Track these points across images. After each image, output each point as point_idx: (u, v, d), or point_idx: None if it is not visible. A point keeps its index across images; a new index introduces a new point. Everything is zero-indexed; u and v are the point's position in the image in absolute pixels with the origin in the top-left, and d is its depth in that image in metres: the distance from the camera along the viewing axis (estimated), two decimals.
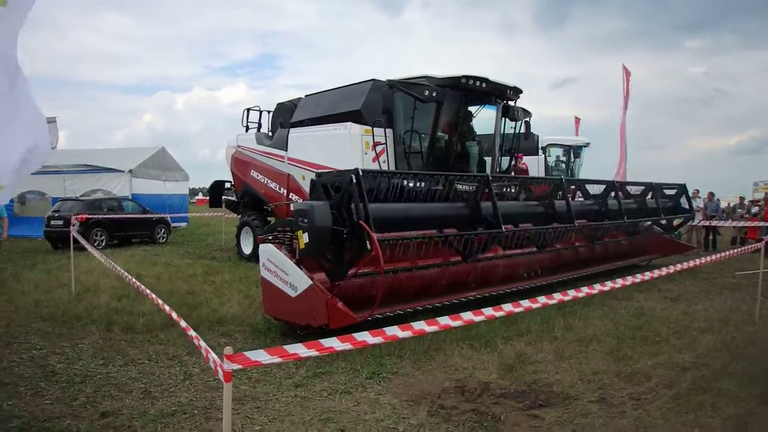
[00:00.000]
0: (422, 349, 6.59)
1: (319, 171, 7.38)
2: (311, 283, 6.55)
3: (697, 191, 19.71)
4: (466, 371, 5.95)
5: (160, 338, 7.17)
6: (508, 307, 4.67)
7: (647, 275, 6.53)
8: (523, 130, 12.70)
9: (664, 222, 13.71)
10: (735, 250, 8.99)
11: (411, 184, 8.07)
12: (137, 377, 5.80)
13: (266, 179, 14.46)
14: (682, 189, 14.20)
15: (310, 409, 4.97)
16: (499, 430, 4.54)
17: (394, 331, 3.67)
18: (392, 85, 11.33)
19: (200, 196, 60.20)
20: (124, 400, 5.17)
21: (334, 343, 3.27)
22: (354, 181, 6.66)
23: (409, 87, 10.83)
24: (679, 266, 7.17)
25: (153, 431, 4.49)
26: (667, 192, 13.99)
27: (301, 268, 6.71)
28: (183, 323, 4.09)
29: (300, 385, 5.58)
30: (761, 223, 17.62)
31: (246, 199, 15.75)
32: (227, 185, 17.53)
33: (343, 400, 5.20)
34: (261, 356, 2.93)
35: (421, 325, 3.86)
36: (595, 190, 12.38)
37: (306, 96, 14.50)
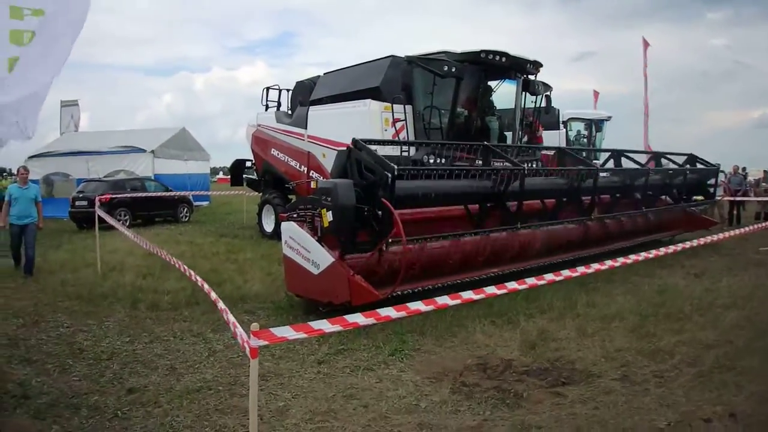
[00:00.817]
0: (444, 326, 6.62)
1: (356, 140, 7.21)
2: (333, 260, 6.58)
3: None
4: (488, 348, 5.97)
5: (185, 315, 7.30)
6: (531, 281, 4.66)
7: (670, 249, 6.46)
8: (543, 104, 12.56)
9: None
10: (757, 225, 8.83)
11: (434, 160, 8.01)
12: (163, 354, 5.92)
13: (287, 157, 14.50)
14: (714, 171, 13.99)
15: (332, 386, 5.03)
16: (521, 408, 4.56)
17: (418, 305, 3.69)
18: (411, 61, 11.24)
19: (221, 175, 60.50)
20: (150, 376, 5.29)
21: (358, 319, 3.30)
22: (389, 180, 6.61)
23: (428, 63, 10.74)
24: (701, 240, 7.08)
25: (179, 407, 4.59)
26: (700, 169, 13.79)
27: (323, 246, 6.74)
28: (213, 295, 4.14)
29: (323, 361, 5.64)
30: None
31: (267, 177, 15.82)
32: (248, 164, 17.61)
33: (365, 376, 5.25)
34: (287, 332, 2.97)
35: (444, 300, 3.87)
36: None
37: (325, 74, 14.46)
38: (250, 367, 2.81)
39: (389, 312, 3.45)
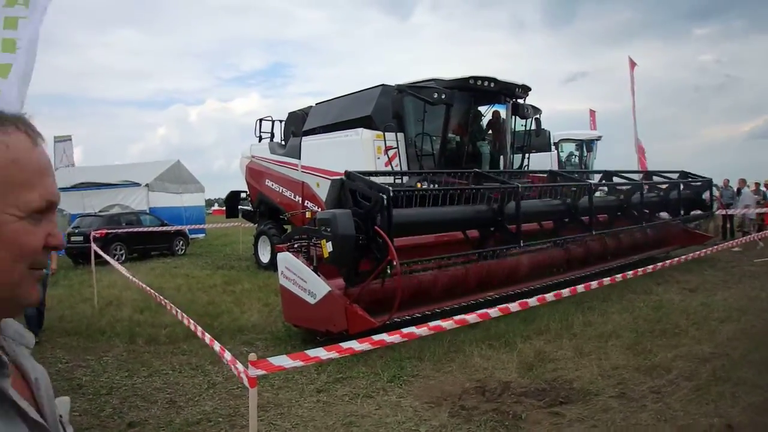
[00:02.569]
0: (442, 351, 6.64)
1: (347, 172, 7.33)
2: (330, 289, 6.63)
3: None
4: (486, 371, 5.99)
5: (183, 349, 7.30)
6: (531, 301, 4.72)
7: (667, 263, 6.53)
8: (534, 127, 12.73)
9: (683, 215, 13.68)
10: (748, 237, 8.92)
11: (429, 185, 8.06)
12: (162, 387, 5.92)
13: (281, 188, 14.60)
14: (707, 184, 14.11)
15: (332, 414, 5.05)
16: (520, 429, 4.58)
17: (411, 329, 3.75)
18: (401, 89, 11.41)
19: (216, 207, 60.57)
20: (150, 410, 5.30)
21: (353, 345, 3.36)
22: (385, 202, 6.70)
23: (418, 90, 10.91)
24: (695, 254, 7.16)
25: None
26: (693, 184, 13.92)
27: (319, 275, 6.80)
28: (208, 337, 4.19)
29: (322, 390, 5.66)
30: None
31: (262, 208, 15.90)
32: (243, 195, 17.69)
33: (364, 404, 5.27)
34: (284, 361, 3.02)
35: (437, 323, 3.93)
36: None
37: (317, 104, 14.63)
38: (249, 397, 2.86)
39: (383, 337, 3.51)
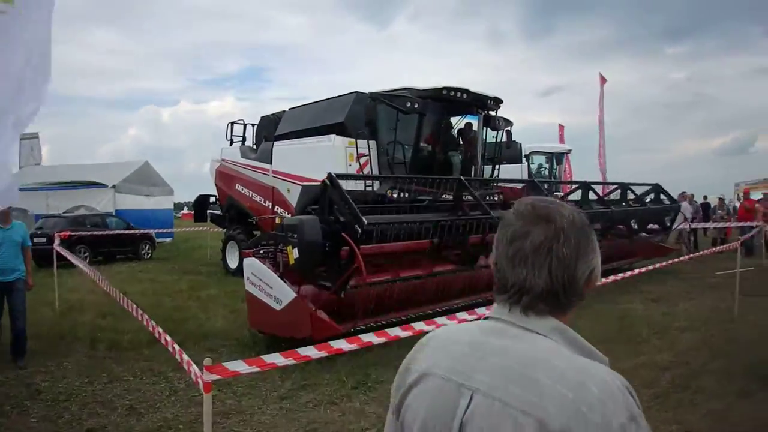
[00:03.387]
0: None
1: (306, 184, 7.35)
2: (295, 295, 6.59)
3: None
4: None
5: (146, 355, 7.16)
6: (481, 311, 4.74)
7: (624, 275, 6.64)
8: (504, 139, 12.85)
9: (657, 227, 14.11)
10: (711, 249, 9.14)
11: (397, 195, 8.08)
12: (122, 394, 5.80)
13: (251, 192, 14.47)
14: (675, 209, 14.54)
15: (295, 421, 5.00)
16: None
17: (370, 337, 3.74)
18: (375, 97, 11.42)
19: (186, 210, 59.77)
20: (109, 417, 5.18)
21: (310, 352, 3.34)
22: (330, 183, 6.66)
23: (391, 99, 10.92)
24: (655, 266, 7.30)
25: None
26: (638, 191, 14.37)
27: (285, 281, 6.75)
28: (167, 338, 4.12)
29: (285, 397, 5.61)
30: (736, 224, 17.82)
31: (231, 212, 15.73)
32: (212, 199, 17.50)
33: (328, 411, 5.23)
34: (239, 366, 2.98)
35: (396, 332, 3.93)
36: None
37: (290, 109, 14.56)
38: (204, 402, 2.81)
39: (341, 344, 3.49)
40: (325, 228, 6.68)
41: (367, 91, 11.84)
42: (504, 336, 1.13)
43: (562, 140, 26.93)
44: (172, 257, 20.95)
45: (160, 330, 4.44)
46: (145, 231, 20.56)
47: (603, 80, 22.32)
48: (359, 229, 6.59)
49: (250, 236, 14.26)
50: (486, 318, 1.21)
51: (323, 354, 3.43)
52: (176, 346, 3.84)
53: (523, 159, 20.24)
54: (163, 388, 5.95)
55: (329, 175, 7.15)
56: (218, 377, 2.91)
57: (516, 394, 1.03)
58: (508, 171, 16.71)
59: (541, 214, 1.14)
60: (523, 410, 1.01)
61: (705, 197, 22.83)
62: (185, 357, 3.40)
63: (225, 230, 16.15)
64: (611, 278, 6.26)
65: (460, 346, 1.17)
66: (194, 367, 3.06)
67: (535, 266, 1.10)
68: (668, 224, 14.63)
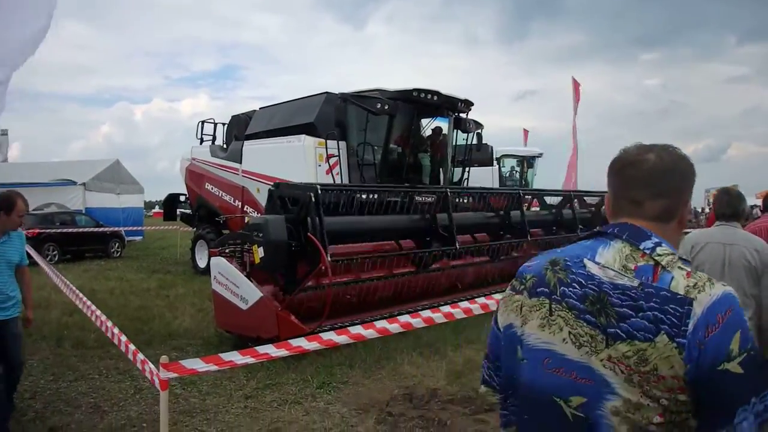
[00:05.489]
0: (373, 359, 6.72)
1: (276, 182, 7.42)
2: (261, 295, 6.62)
3: None
4: (415, 379, 6.10)
5: (112, 353, 7.09)
6: (446, 309, 4.85)
7: None
8: (475, 142, 13.02)
9: None
10: None
11: (366, 197, 8.16)
12: (87, 392, 5.78)
13: (221, 192, 14.41)
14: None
15: (259, 420, 5.05)
16: None
17: (331, 336, 3.81)
18: (345, 98, 11.49)
19: (157, 209, 59.07)
20: (73, 415, 5.17)
21: (269, 350, 3.39)
22: (313, 199, 6.73)
23: (362, 100, 11.01)
24: None
25: None
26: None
27: (252, 281, 6.77)
28: (122, 337, 4.14)
29: (250, 396, 5.64)
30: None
31: (201, 212, 15.63)
32: (182, 198, 17.37)
33: (292, 410, 5.28)
34: (196, 364, 3.03)
35: (357, 330, 4.00)
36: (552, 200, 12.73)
37: (260, 108, 14.52)
38: (160, 400, 2.86)
39: (301, 343, 3.55)
40: (290, 228, 6.74)
41: (337, 92, 11.90)
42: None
43: (525, 144, 27.29)
44: (141, 256, 20.72)
45: (116, 330, 4.45)
46: (115, 229, 20.32)
47: (576, 85, 22.61)
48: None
49: (219, 236, 14.15)
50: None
51: (283, 352, 3.49)
52: (131, 346, 3.86)
53: (494, 162, 20.50)
54: (128, 387, 5.93)
55: (275, 183, 7.20)
56: (175, 375, 2.96)
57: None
58: (479, 174, 16.93)
59: None
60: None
61: None
62: (140, 356, 3.43)
63: (195, 229, 16.06)
64: None
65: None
66: (150, 365, 3.10)
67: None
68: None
